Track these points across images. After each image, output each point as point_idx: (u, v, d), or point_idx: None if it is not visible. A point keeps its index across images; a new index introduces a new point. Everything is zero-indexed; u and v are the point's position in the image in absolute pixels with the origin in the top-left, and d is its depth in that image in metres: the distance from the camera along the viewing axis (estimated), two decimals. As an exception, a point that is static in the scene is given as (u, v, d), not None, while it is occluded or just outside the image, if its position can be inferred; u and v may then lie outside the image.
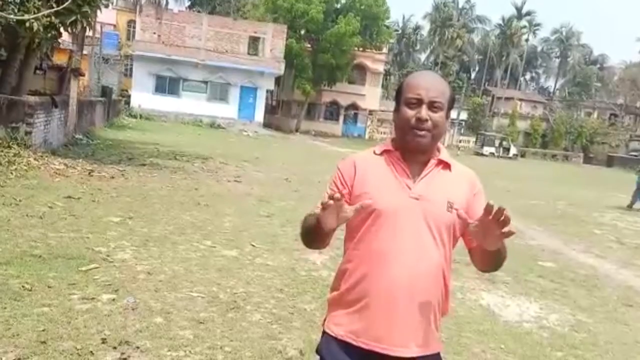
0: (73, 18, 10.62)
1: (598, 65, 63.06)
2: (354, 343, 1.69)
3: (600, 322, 4.95)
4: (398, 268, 1.65)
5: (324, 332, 1.79)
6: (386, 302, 1.66)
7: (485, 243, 1.57)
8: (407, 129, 1.69)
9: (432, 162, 1.74)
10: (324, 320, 1.82)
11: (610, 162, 44.93)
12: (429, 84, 1.70)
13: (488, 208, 1.49)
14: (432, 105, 1.67)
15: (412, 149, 1.71)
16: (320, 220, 1.59)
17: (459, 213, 1.63)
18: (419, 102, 1.67)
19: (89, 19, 11.48)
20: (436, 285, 1.71)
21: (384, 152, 1.78)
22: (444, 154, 1.78)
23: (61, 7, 9.62)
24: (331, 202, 1.53)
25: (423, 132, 1.68)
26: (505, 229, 1.49)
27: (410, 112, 1.68)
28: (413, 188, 1.70)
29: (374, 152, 1.80)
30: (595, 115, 54.24)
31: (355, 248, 1.74)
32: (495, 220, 1.49)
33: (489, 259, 1.71)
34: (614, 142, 48.00)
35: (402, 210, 1.68)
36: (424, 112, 1.66)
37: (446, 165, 1.76)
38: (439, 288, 1.72)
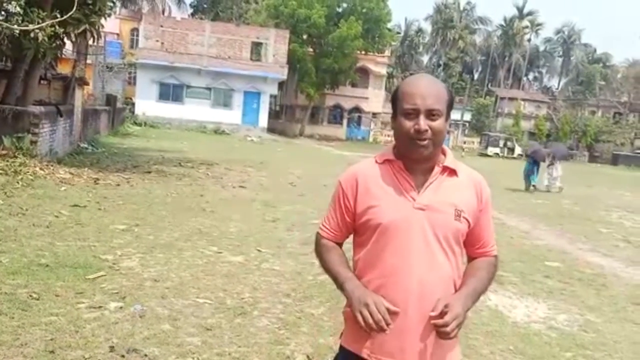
0: (82, 28, 10.73)
1: (601, 64, 62.74)
2: (369, 359, 1.69)
3: (609, 322, 4.93)
4: (409, 283, 1.64)
5: (341, 347, 1.80)
6: (400, 317, 1.63)
7: None
8: (407, 141, 1.65)
9: (437, 169, 1.70)
10: (341, 333, 1.83)
11: (615, 160, 44.74)
12: (425, 91, 1.64)
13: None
14: (431, 114, 1.62)
15: (414, 159, 1.68)
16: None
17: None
18: (416, 112, 1.62)
19: (97, 28, 11.56)
20: (449, 295, 1.68)
21: (386, 161, 1.74)
22: (450, 159, 1.74)
23: (67, 16, 9.69)
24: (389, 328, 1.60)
25: (424, 143, 1.63)
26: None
27: (408, 123, 1.63)
28: (417, 198, 1.66)
29: (376, 161, 1.76)
30: (599, 113, 53.94)
31: (363, 265, 1.73)
32: None
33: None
34: (619, 140, 47.74)
35: (408, 223, 1.65)
36: (423, 122, 1.61)
37: (452, 172, 1.72)
38: None
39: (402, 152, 1.70)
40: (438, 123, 1.63)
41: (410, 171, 1.69)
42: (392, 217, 1.65)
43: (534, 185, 16.34)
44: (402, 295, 1.63)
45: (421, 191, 1.67)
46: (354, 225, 1.77)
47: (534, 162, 16.54)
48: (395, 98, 1.70)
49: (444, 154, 1.74)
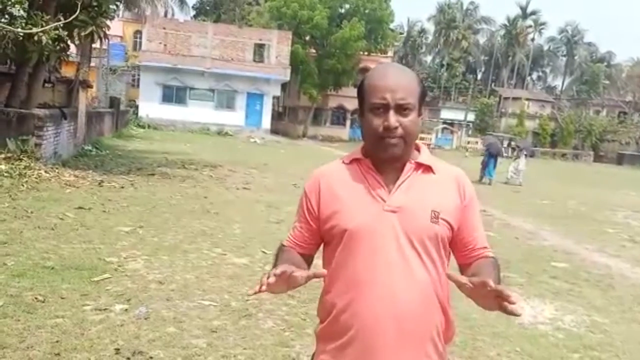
0: (89, 30, 10.77)
1: (605, 63, 62.53)
2: None
3: (616, 322, 4.90)
4: (380, 297, 1.44)
5: None
6: (371, 337, 1.45)
7: (479, 303, 1.37)
8: (376, 139, 1.48)
9: (409, 166, 1.52)
10: (313, 354, 1.64)
11: (620, 159, 44.55)
12: (394, 83, 1.46)
13: (485, 285, 1.29)
14: (401, 109, 1.45)
15: (384, 159, 1.50)
16: (269, 290, 1.36)
17: (450, 275, 1.37)
18: (385, 108, 1.45)
19: (104, 30, 11.60)
20: (429, 310, 1.48)
21: (354, 160, 1.57)
22: (424, 155, 1.56)
23: (72, 18, 9.71)
24: (272, 279, 1.33)
25: (394, 141, 1.46)
26: (509, 308, 1.28)
27: (376, 121, 1.47)
28: (388, 200, 1.48)
29: (343, 162, 1.59)
30: (604, 113, 53.73)
31: (332, 276, 1.54)
32: (494, 295, 1.29)
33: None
34: (623, 140, 47.53)
35: (377, 227, 1.47)
36: (392, 119, 1.45)
37: (427, 169, 1.54)
38: (435, 313, 1.49)
39: (371, 151, 1.53)
40: (410, 119, 1.47)
41: (380, 170, 1.52)
42: (359, 222, 1.48)
43: (484, 177, 16.96)
44: (373, 310, 1.44)
45: (392, 191, 1.49)
46: (320, 234, 1.59)
47: (490, 155, 17.27)
48: (361, 92, 1.53)
49: (418, 150, 1.57)
